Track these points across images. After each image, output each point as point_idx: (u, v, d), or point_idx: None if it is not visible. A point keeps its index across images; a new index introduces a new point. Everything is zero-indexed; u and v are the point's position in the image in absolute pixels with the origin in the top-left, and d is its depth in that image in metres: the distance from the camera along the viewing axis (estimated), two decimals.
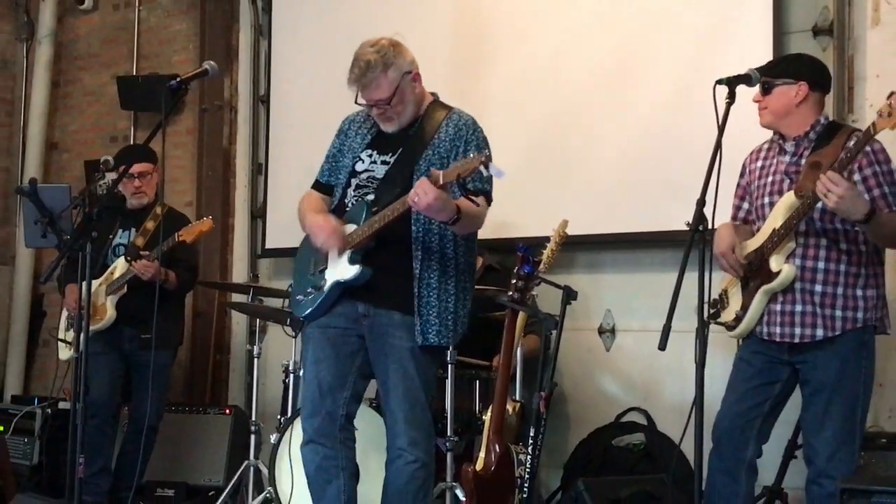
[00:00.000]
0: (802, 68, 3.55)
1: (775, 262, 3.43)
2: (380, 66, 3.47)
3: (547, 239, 4.24)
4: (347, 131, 3.72)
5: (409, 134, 3.58)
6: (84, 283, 3.36)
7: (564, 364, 4.98)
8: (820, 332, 3.40)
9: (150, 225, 5.00)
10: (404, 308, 3.47)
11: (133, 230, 5.07)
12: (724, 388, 3.63)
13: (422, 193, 3.21)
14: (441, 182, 3.21)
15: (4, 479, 4.95)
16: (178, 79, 3.48)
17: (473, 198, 3.40)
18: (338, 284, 3.50)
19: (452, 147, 3.52)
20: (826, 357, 3.41)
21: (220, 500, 4.84)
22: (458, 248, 3.54)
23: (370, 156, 3.60)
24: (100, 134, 6.98)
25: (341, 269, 3.49)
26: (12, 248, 7.09)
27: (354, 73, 3.50)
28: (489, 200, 3.55)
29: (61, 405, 5.61)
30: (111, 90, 6.77)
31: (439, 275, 3.49)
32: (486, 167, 3.13)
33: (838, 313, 3.40)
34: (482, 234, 4.91)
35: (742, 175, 3.73)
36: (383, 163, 3.57)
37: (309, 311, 3.59)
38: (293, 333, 4.65)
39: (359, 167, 3.59)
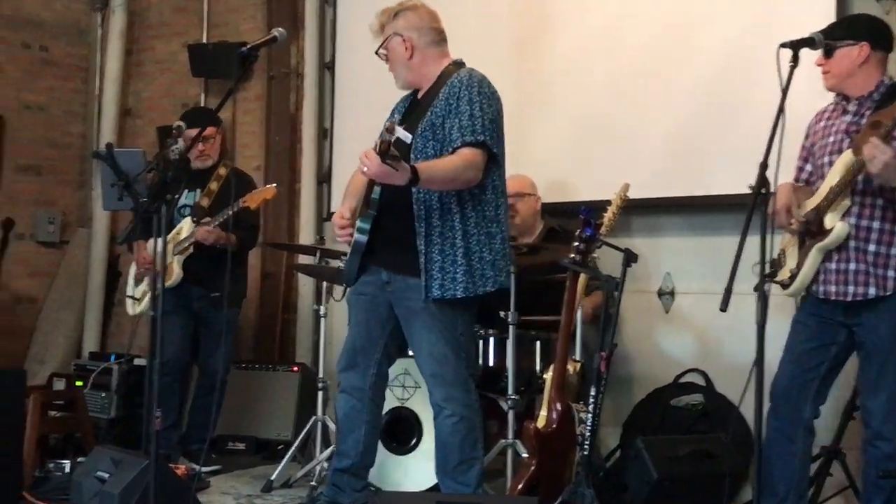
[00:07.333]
0: (862, 29, 3.49)
1: (829, 220, 3.39)
2: (376, 26, 3.72)
3: (607, 202, 4.22)
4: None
5: (420, 101, 3.67)
6: (160, 246, 3.41)
7: (624, 325, 4.99)
8: (872, 291, 3.35)
9: (214, 186, 5.06)
10: (413, 271, 3.52)
11: (198, 191, 5.14)
12: (781, 350, 3.60)
13: (368, 164, 3.25)
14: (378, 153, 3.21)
15: (84, 431, 5.08)
16: (249, 46, 3.49)
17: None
18: (351, 249, 3.63)
19: (447, 106, 3.53)
20: (879, 319, 3.37)
21: (289, 454, 4.91)
22: (463, 201, 3.52)
23: (400, 124, 3.69)
24: (171, 100, 7.06)
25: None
26: (89, 210, 7.21)
27: None
28: (487, 150, 3.50)
29: (136, 361, 5.73)
30: (182, 58, 6.84)
31: (441, 230, 3.51)
32: (391, 132, 3.15)
33: (891, 273, 3.35)
34: (544, 197, 4.97)
35: (806, 137, 3.68)
36: None
37: (346, 273, 3.74)
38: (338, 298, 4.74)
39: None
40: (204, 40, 6.88)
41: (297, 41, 6.47)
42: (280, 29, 3.62)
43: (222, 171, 5.16)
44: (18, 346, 6.81)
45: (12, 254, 6.70)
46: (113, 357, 5.88)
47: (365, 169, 3.29)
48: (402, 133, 3.19)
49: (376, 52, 3.72)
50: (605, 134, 5.05)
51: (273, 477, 4.78)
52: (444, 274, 3.49)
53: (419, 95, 3.72)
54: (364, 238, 3.59)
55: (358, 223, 3.59)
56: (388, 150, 3.14)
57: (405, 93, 3.85)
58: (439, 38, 3.71)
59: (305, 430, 4.92)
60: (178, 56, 6.95)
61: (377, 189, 3.54)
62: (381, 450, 4.34)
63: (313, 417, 4.90)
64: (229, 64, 6.21)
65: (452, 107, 3.50)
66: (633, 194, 4.25)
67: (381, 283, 3.63)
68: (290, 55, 6.47)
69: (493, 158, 3.55)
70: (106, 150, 4.06)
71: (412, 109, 3.71)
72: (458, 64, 3.71)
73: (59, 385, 5.73)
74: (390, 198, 3.53)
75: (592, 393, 3.65)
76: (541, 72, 5.28)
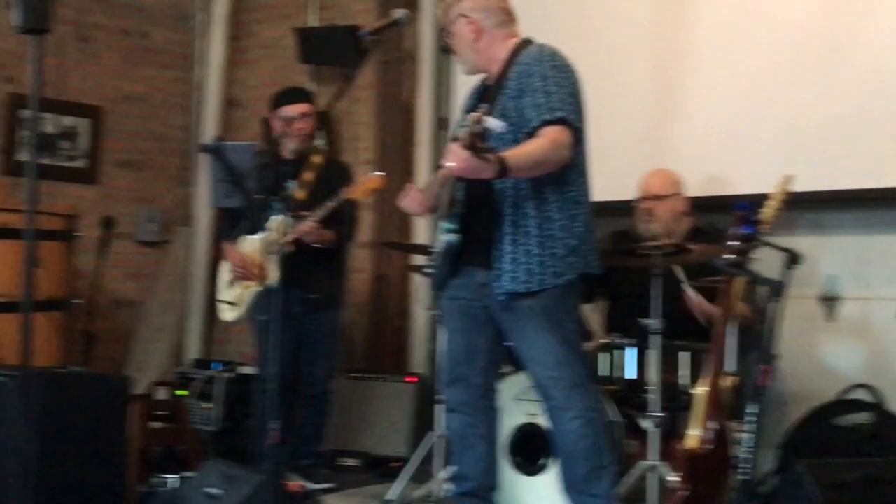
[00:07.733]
0: None
1: None
2: (445, 9, 3.75)
3: (764, 196, 4.09)
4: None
5: (491, 85, 3.66)
6: (263, 245, 3.41)
7: (780, 335, 4.83)
8: None
9: (308, 176, 4.96)
10: None
11: (292, 182, 4.99)
12: None
13: (456, 160, 3.22)
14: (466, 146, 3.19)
15: (187, 444, 5.13)
16: (369, 29, 3.47)
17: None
18: (443, 252, 3.64)
19: (519, 86, 3.51)
20: None
21: (405, 472, 4.86)
22: (541, 184, 3.49)
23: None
24: (278, 89, 7.08)
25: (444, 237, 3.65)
26: (191, 207, 7.31)
27: None
28: (571, 126, 3.46)
29: (242, 370, 5.78)
30: (289, 43, 6.86)
31: (514, 218, 3.50)
32: (480, 123, 3.13)
33: None
34: (691, 191, 4.84)
35: None
36: None
37: (435, 278, 3.75)
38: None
39: None
40: (312, 23, 6.90)
41: (413, 22, 6.44)
42: (404, 10, 3.61)
43: (316, 159, 5.06)
44: (118, 353, 6.93)
45: (111, 254, 6.82)
46: (217, 365, 5.94)
47: (453, 164, 3.27)
48: (492, 122, 3.19)
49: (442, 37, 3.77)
50: (763, 118, 4.88)
51: (390, 497, 4.76)
52: (514, 266, 3.48)
53: (489, 80, 3.72)
54: (455, 239, 3.59)
55: (445, 224, 3.60)
56: (476, 143, 3.14)
57: None
58: (507, 18, 3.73)
59: (423, 448, 4.88)
60: (285, 41, 6.97)
61: (460, 185, 3.56)
62: (509, 471, 4.29)
63: (430, 433, 4.86)
64: (340, 49, 6.23)
65: (525, 85, 3.50)
66: (796, 187, 4.11)
67: (477, 286, 3.62)
68: (405, 38, 6.44)
69: (576, 135, 3.52)
70: (215, 143, 4.11)
71: (485, 95, 3.69)
72: (527, 42, 3.69)
73: (161, 394, 5.82)
74: (474, 192, 3.55)
75: (751, 410, 3.53)
76: (683, 44, 5.14)
